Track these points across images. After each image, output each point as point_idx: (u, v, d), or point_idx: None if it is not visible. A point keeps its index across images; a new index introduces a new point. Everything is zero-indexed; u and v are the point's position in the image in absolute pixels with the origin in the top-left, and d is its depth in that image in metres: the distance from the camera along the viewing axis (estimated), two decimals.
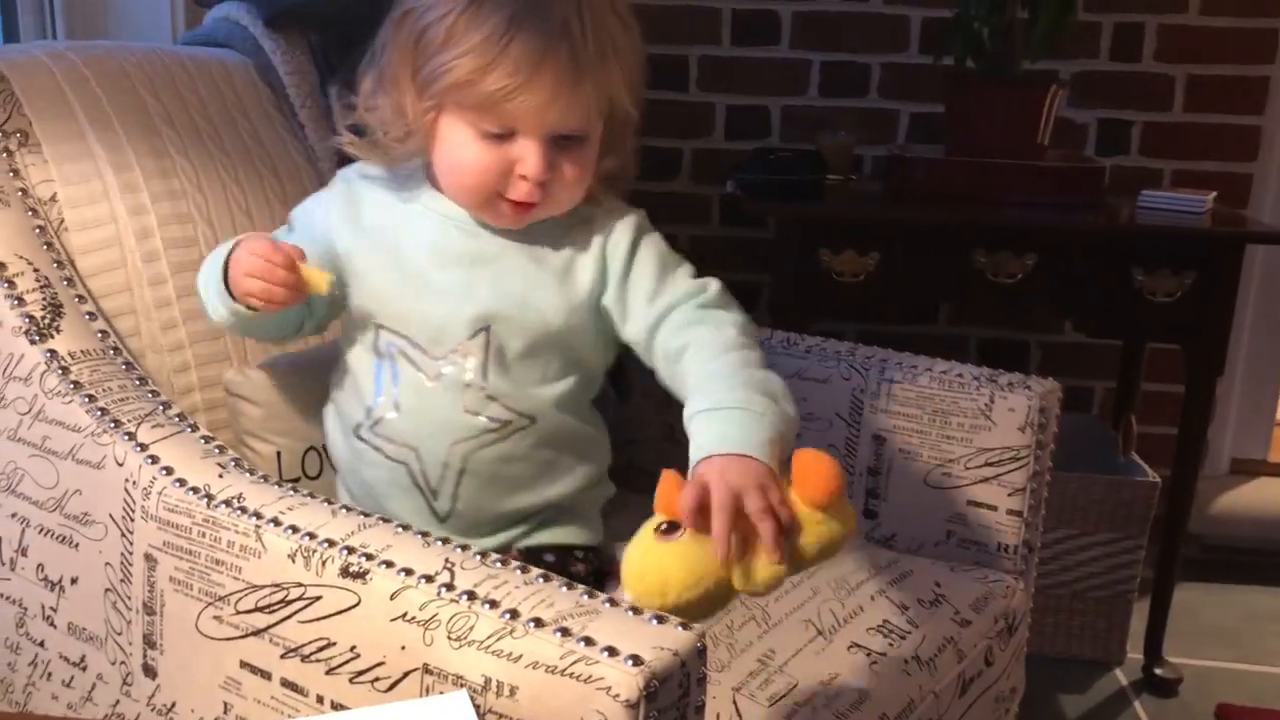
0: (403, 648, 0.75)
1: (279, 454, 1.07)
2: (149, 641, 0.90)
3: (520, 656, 0.70)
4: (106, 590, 0.93)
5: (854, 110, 2.14)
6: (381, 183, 0.99)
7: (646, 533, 0.79)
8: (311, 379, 1.11)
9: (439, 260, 0.96)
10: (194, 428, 0.96)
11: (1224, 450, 2.33)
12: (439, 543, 0.81)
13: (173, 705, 0.90)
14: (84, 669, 0.96)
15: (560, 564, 1.00)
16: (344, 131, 0.98)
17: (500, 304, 0.95)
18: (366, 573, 0.77)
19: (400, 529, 0.83)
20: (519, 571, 0.77)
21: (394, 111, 0.94)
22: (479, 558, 0.79)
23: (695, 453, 0.82)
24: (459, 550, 0.80)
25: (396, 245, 0.97)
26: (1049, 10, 1.79)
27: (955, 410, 1.26)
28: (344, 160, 1.28)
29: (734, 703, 0.95)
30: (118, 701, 0.94)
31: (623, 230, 0.98)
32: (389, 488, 0.98)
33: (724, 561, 0.76)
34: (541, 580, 0.76)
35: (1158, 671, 1.88)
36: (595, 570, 1.02)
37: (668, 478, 0.79)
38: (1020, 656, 1.24)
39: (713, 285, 0.99)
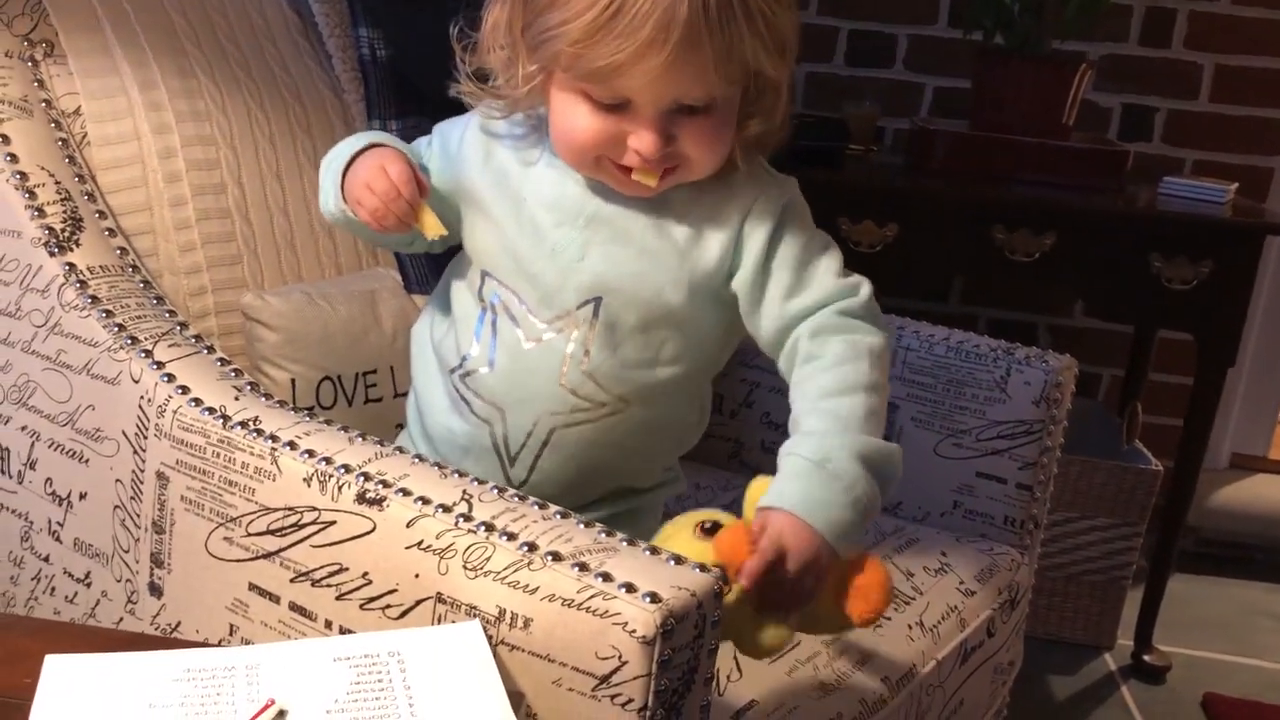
0: (416, 576, 0.74)
1: (293, 381, 1.06)
2: (156, 560, 0.89)
3: (536, 589, 0.69)
4: (115, 507, 0.92)
5: (879, 81, 2.13)
6: (515, 137, 0.93)
7: (686, 531, 0.79)
8: (331, 309, 1.10)
9: (556, 217, 0.89)
10: (210, 349, 0.95)
11: (1224, 444, 2.33)
12: (456, 474, 0.80)
13: (177, 625, 0.89)
14: (88, 585, 0.95)
15: None
16: (462, 76, 0.90)
17: (613, 274, 0.88)
18: (383, 499, 0.77)
19: (417, 459, 0.82)
20: (537, 506, 0.77)
21: (505, 65, 0.88)
22: (496, 490, 0.78)
23: (774, 494, 0.79)
24: (476, 483, 0.79)
25: (518, 194, 0.91)
26: None
27: (970, 381, 1.25)
28: (372, 101, 1.27)
29: (735, 658, 0.95)
30: (121, 619, 0.94)
31: (767, 208, 0.87)
32: (469, 441, 0.93)
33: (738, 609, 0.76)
34: (559, 517, 0.76)
35: (1147, 659, 1.89)
36: None
37: (740, 530, 0.78)
38: (1020, 631, 1.25)
39: (863, 289, 0.88)
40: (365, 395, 1.10)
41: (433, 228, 0.88)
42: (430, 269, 1.16)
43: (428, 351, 0.98)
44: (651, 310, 0.89)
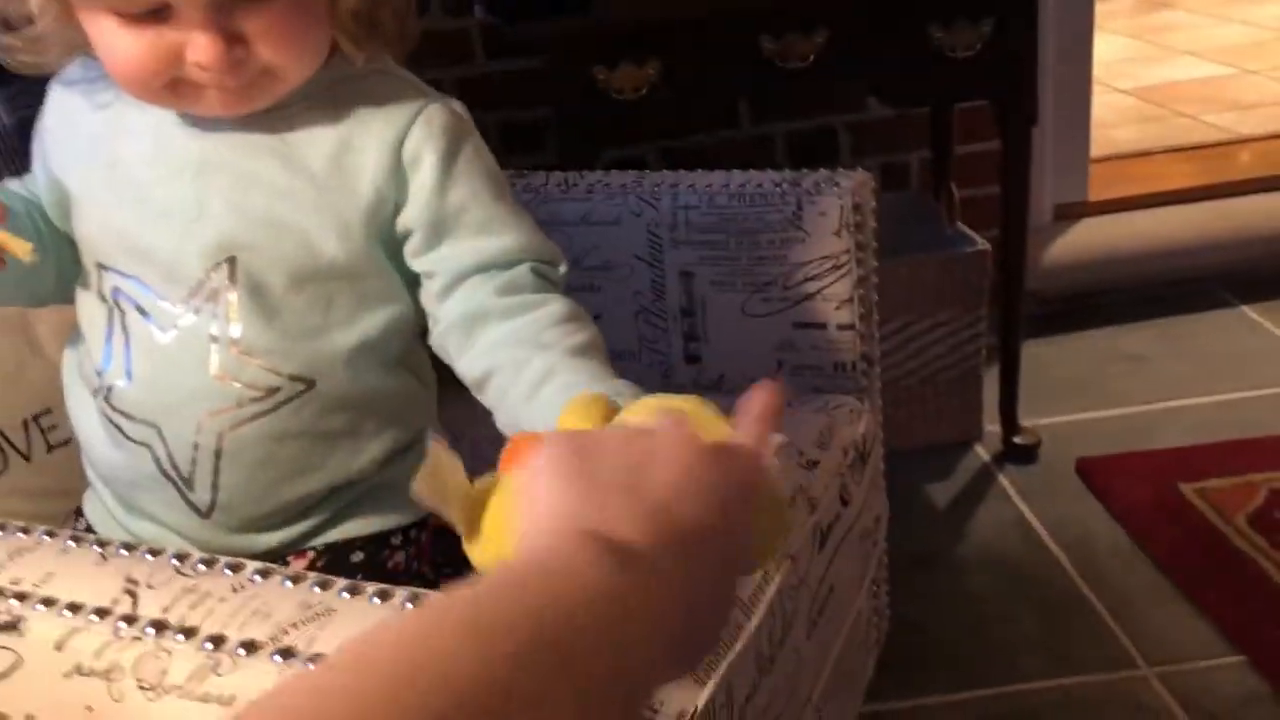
0: (89, 709, 0.56)
1: None
2: None
3: (233, 698, 0.52)
4: None
5: None
6: (95, 81, 0.74)
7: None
8: None
9: (158, 172, 0.72)
10: None
11: (1045, 199, 2.26)
12: (121, 551, 0.62)
13: None
14: None
15: (372, 560, 0.78)
16: None
17: (242, 225, 0.71)
18: (19, 620, 0.58)
19: (70, 544, 0.63)
20: (228, 572, 0.59)
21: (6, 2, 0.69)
22: (175, 564, 0.60)
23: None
24: (146, 558, 0.61)
25: (115, 159, 0.74)
26: None
27: (762, 226, 1.10)
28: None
29: None
30: None
31: (430, 129, 0.73)
32: (135, 475, 0.76)
33: None
34: (257, 579, 0.58)
35: (1016, 440, 1.84)
36: (420, 551, 0.80)
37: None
38: (878, 482, 1.13)
39: (564, 267, 0.76)
40: (46, 443, 0.89)
41: (19, 246, 0.69)
42: None
43: (75, 378, 0.79)
44: (301, 263, 0.72)
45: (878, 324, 1.17)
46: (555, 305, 0.71)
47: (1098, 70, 2.30)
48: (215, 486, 0.74)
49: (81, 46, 0.71)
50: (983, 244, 1.83)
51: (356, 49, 0.71)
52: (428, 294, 0.75)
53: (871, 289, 1.13)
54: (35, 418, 0.89)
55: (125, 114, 0.73)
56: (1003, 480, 1.81)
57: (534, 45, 1.68)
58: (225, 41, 0.65)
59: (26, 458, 0.88)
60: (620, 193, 1.16)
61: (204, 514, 0.75)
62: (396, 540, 0.78)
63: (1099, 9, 2.21)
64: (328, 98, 0.72)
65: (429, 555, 0.80)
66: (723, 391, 1.14)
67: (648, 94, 1.58)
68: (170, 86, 0.68)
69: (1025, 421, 1.86)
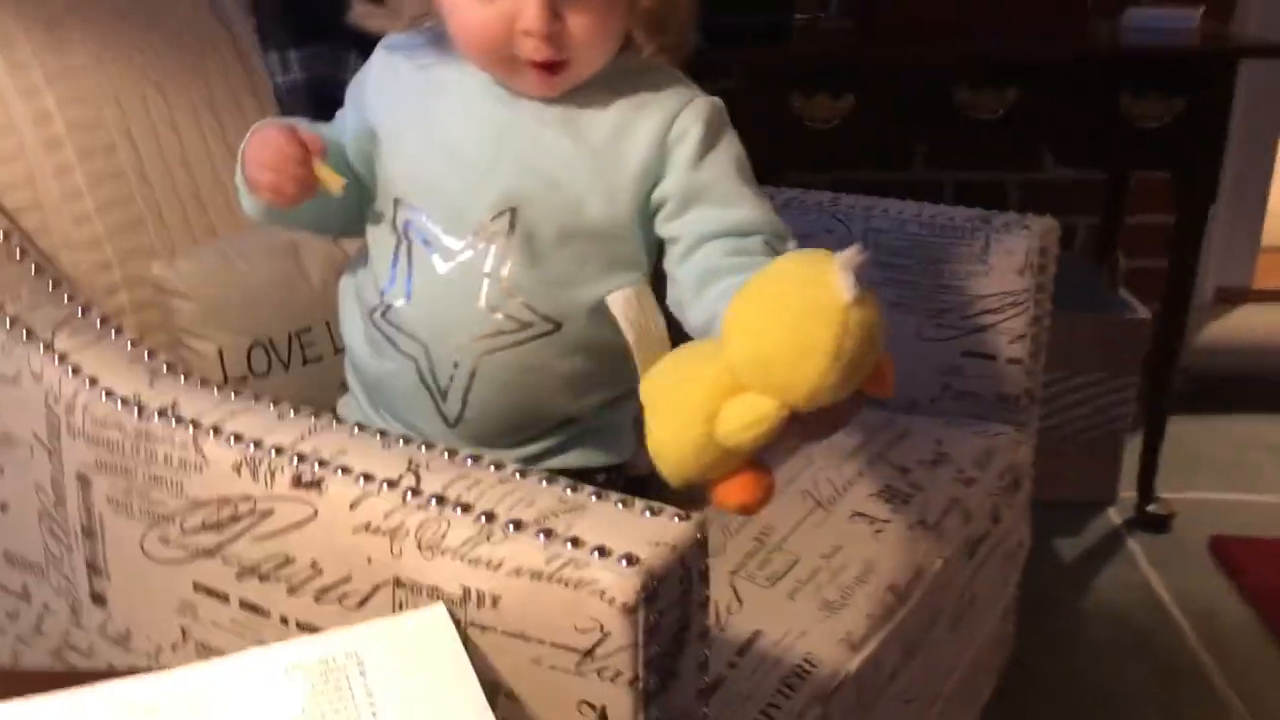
0: (369, 560, 0.67)
1: (220, 352, 0.98)
2: (93, 567, 0.82)
3: (500, 563, 0.62)
4: (41, 515, 0.84)
5: None
6: (417, 47, 0.88)
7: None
8: (251, 268, 1.00)
9: (469, 130, 0.85)
10: (119, 331, 0.87)
11: (1208, 279, 2.27)
12: (400, 441, 0.73)
13: (127, 633, 0.82)
14: (28, 600, 0.88)
15: None
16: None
17: (527, 182, 0.83)
18: (321, 481, 0.69)
19: (356, 430, 0.74)
20: (492, 468, 0.69)
21: None
22: (447, 455, 0.71)
23: None
24: (423, 449, 0.71)
25: (429, 112, 0.87)
26: None
27: (948, 257, 1.18)
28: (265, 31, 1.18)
29: (732, 587, 0.89)
30: (69, 632, 0.87)
31: (695, 115, 0.83)
32: (398, 383, 0.88)
33: None
34: (518, 476, 0.68)
35: (1150, 509, 1.86)
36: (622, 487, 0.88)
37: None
38: (1026, 512, 1.19)
39: (795, 243, 0.84)
40: (303, 356, 1.02)
41: (333, 179, 0.82)
42: None
43: (350, 299, 0.92)
44: (570, 222, 0.84)
45: (1043, 365, 1.23)
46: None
47: None
48: (465, 402, 0.86)
49: (425, 17, 0.85)
50: (1144, 312, 1.85)
51: (641, 43, 0.83)
52: (671, 257, 0.85)
53: (1044, 329, 1.20)
54: (298, 334, 1.01)
55: (443, 76, 0.86)
56: (1132, 546, 1.83)
57: (734, 68, 1.77)
58: (549, 14, 0.78)
59: (286, 367, 1.01)
60: (815, 210, 1.25)
61: (451, 424, 0.87)
62: (600, 478, 0.88)
63: None
64: (613, 86, 0.84)
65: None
66: (888, 408, 1.22)
67: (839, 124, 1.66)
68: (505, 60, 0.81)
69: (1162, 492, 1.87)
